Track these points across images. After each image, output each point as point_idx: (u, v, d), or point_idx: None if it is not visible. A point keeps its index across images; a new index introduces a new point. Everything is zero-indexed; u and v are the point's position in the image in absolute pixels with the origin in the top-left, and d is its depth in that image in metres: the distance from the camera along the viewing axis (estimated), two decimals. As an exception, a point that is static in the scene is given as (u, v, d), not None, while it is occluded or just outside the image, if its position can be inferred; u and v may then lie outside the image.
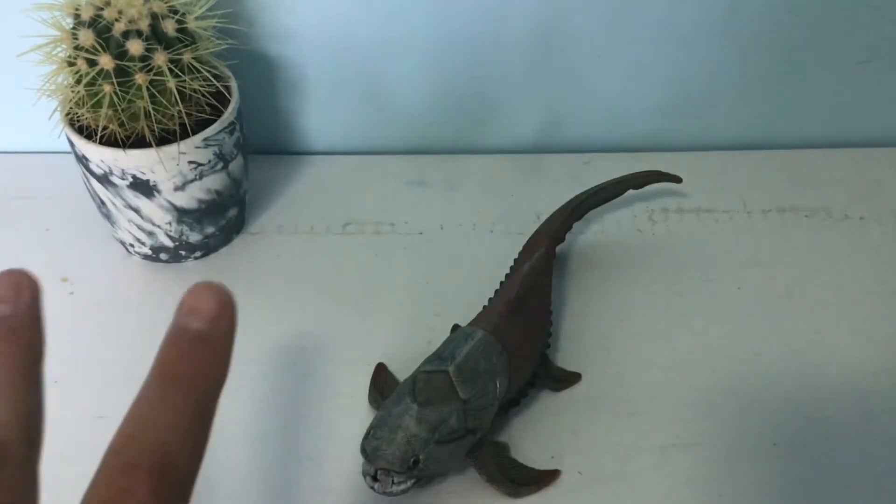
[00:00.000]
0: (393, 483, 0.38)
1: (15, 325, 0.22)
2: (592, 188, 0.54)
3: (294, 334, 0.51)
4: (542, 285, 0.48)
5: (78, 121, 0.49)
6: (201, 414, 0.22)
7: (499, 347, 0.43)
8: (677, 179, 0.57)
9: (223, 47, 0.49)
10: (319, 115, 0.64)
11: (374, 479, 0.38)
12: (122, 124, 0.47)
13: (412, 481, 0.39)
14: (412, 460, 0.38)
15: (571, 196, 0.53)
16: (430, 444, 0.38)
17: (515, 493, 0.42)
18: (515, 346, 0.44)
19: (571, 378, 0.48)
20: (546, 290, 0.48)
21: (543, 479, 0.43)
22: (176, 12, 0.46)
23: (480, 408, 0.41)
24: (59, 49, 0.46)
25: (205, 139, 0.49)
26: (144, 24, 0.45)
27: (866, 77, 0.62)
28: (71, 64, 0.45)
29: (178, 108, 0.47)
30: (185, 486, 0.21)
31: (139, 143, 0.48)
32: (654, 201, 0.60)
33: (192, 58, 0.46)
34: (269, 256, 0.56)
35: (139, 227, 0.52)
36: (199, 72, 0.47)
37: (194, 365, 0.22)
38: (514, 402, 0.45)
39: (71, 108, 0.47)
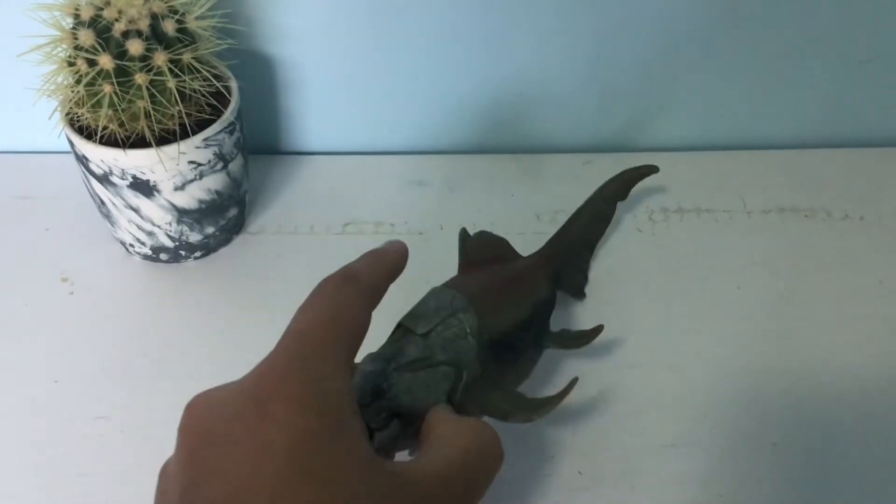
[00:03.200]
0: (372, 432, 0.34)
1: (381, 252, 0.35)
2: (585, 216, 0.53)
3: (294, 334, 0.51)
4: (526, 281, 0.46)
5: (78, 121, 0.49)
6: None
7: (452, 292, 0.40)
8: (654, 169, 0.56)
9: (223, 47, 0.49)
10: (319, 115, 0.64)
11: None
12: (122, 124, 0.47)
13: (388, 418, 0.35)
14: (373, 391, 0.35)
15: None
16: (390, 372, 0.36)
17: (532, 414, 0.38)
18: (474, 291, 0.41)
19: (591, 334, 0.46)
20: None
21: (563, 393, 0.39)
22: (176, 12, 0.46)
23: (449, 339, 0.38)
24: (59, 49, 0.46)
25: (205, 139, 0.49)
26: (144, 24, 0.45)
27: (866, 77, 0.62)
28: (71, 64, 0.45)
29: (178, 108, 0.47)
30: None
31: (139, 143, 0.48)
32: (655, 201, 0.60)
33: (192, 58, 0.46)
34: (269, 256, 0.56)
35: (139, 227, 0.52)
36: (199, 72, 0.47)
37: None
38: (511, 346, 0.42)
39: (71, 108, 0.47)
